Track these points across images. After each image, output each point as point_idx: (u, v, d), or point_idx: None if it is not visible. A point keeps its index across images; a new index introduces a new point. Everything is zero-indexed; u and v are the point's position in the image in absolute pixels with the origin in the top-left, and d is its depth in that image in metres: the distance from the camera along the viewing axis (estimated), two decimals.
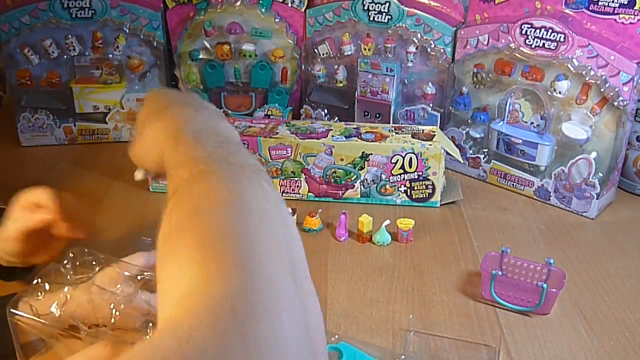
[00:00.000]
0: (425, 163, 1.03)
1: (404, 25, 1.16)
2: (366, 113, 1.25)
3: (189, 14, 1.26)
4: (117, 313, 0.66)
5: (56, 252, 0.77)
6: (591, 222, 1.03)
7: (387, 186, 1.06)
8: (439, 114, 1.20)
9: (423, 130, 1.08)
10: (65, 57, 1.26)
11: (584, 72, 0.99)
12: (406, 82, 1.22)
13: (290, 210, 0.99)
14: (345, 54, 1.23)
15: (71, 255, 0.71)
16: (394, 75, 1.18)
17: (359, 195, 1.08)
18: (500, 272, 0.82)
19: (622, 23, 0.96)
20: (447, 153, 1.05)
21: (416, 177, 1.05)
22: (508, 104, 1.10)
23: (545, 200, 1.09)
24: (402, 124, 1.22)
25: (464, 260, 0.92)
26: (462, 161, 1.15)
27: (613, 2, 0.96)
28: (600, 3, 0.97)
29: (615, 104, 0.97)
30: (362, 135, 1.06)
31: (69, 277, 0.68)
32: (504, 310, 0.81)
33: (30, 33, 1.23)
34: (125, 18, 1.24)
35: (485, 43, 1.09)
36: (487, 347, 0.75)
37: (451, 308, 0.82)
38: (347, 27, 1.22)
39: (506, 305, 0.81)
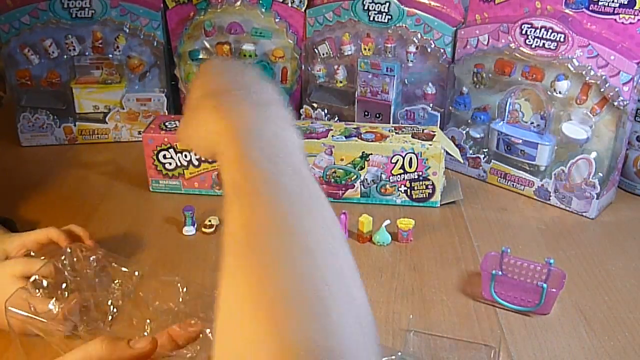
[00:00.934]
0: (425, 163, 1.03)
1: (404, 25, 1.16)
2: (366, 113, 1.25)
3: (189, 14, 1.26)
4: (115, 310, 0.66)
5: None
6: (591, 222, 1.03)
7: (387, 186, 1.06)
8: (439, 114, 1.20)
9: (423, 130, 1.08)
10: (65, 57, 1.26)
11: (584, 72, 0.99)
12: (406, 82, 1.22)
13: None
14: (345, 54, 1.23)
15: (69, 251, 0.71)
16: (394, 75, 1.18)
17: (359, 195, 1.08)
18: (500, 272, 0.82)
19: (622, 23, 0.96)
20: (447, 153, 1.05)
21: (416, 177, 1.05)
22: (508, 104, 1.10)
23: (545, 200, 1.09)
24: (402, 124, 1.22)
25: (464, 260, 0.92)
26: (462, 161, 1.15)
27: (613, 2, 0.96)
28: (600, 3, 0.97)
29: (615, 104, 0.97)
30: (362, 135, 1.06)
31: (66, 273, 0.68)
32: (504, 310, 0.81)
33: (30, 33, 1.23)
34: (125, 18, 1.24)
35: (485, 43, 1.09)
36: (487, 347, 0.75)
37: (451, 308, 0.82)
38: (347, 27, 1.22)
39: (506, 305, 0.81)
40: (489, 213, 1.06)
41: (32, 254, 0.77)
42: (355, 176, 1.06)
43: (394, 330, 0.77)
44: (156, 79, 1.31)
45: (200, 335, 0.57)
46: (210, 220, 1.00)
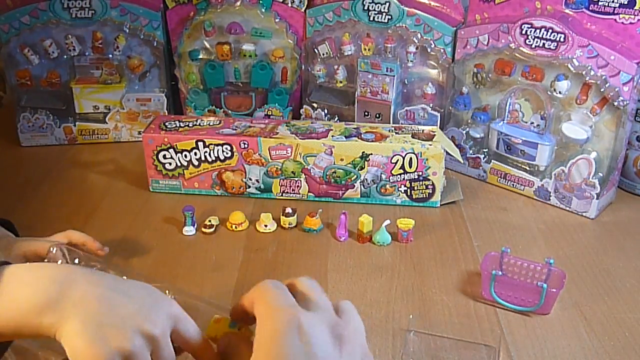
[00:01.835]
0: (425, 163, 1.03)
1: (404, 25, 1.16)
2: (366, 113, 1.25)
3: (189, 14, 1.26)
4: None
5: None
6: (591, 222, 1.03)
7: (387, 186, 1.06)
8: (439, 114, 1.20)
9: (423, 130, 1.08)
10: (65, 57, 1.26)
11: (584, 72, 0.99)
12: (406, 82, 1.22)
13: (291, 211, 0.99)
14: (345, 54, 1.23)
15: (53, 250, 0.70)
16: (394, 75, 1.18)
17: (359, 195, 1.08)
18: (500, 272, 0.82)
19: (622, 23, 0.96)
20: (447, 153, 1.05)
21: (416, 177, 1.05)
22: (508, 104, 1.10)
23: (545, 200, 1.09)
24: (402, 124, 1.22)
25: (464, 260, 0.92)
26: (462, 161, 1.15)
27: (613, 2, 0.96)
28: (600, 3, 0.97)
29: (615, 104, 0.97)
30: (362, 135, 1.06)
31: None
32: (504, 310, 0.81)
33: (30, 33, 1.23)
34: (125, 18, 1.24)
35: (485, 43, 1.09)
36: (487, 347, 0.75)
37: (451, 308, 0.82)
38: (347, 27, 1.22)
39: (506, 305, 0.81)
40: (489, 213, 1.06)
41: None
42: (355, 176, 1.06)
43: (394, 330, 0.77)
44: (156, 79, 1.31)
45: None
46: (210, 220, 1.00)
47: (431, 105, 1.20)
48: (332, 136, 1.05)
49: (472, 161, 1.17)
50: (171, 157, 1.07)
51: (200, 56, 1.28)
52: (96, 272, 0.55)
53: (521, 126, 1.10)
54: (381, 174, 1.05)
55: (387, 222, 0.96)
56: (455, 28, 1.13)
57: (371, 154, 1.04)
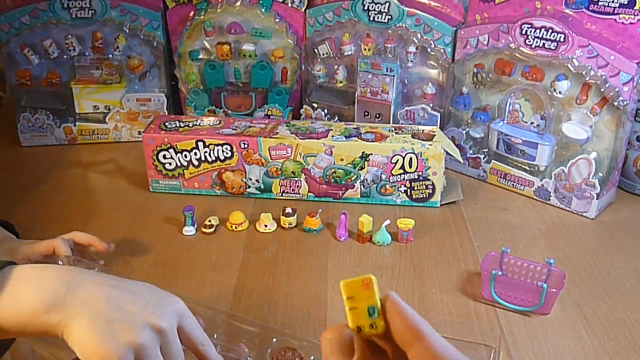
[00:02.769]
0: (425, 163, 1.03)
1: (404, 25, 1.16)
2: (366, 113, 1.25)
3: (189, 14, 1.26)
4: None
5: None
6: (591, 222, 1.03)
7: (387, 186, 1.06)
8: (439, 114, 1.20)
9: (423, 130, 1.08)
10: (65, 57, 1.26)
11: (584, 72, 0.99)
12: (406, 82, 1.22)
13: (291, 211, 0.99)
14: (345, 54, 1.23)
15: (60, 263, 0.71)
16: (394, 75, 1.18)
17: (359, 195, 1.08)
18: (500, 272, 0.82)
19: (622, 23, 0.96)
20: (447, 153, 1.05)
21: (416, 177, 1.05)
22: (508, 104, 1.10)
23: (545, 200, 1.09)
24: (402, 124, 1.22)
25: (464, 260, 0.92)
26: (462, 161, 1.15)
27: (613, 2, 0.96)
28: (600, 3, 0.97)
29: (615, 104, 0.97)
30: (362, 135, 1.06)
31: None
32: (504, 310, 0.81)
33: (30, 33, 1.23)
34: (125, 18, 1.24)
35: (485, 43, 1.09)
36: (487, 347, 0.75)
37: (451, 308, 0.82)
38: (347, 27, 1.22)
39: (506, 305, 0.81)
40: (489, 213, 1.06)
41: None
42: (355, 176, 1.06)
43: None
44: (156, 79, 1.31)
45: None
46: (210, 220, 1.00)
47: (431, 105, 1.20)
48: (332, 136, 1.05)
49: (472, 161, 1.17)
50: (171, 157, 1.07)
51: (200, 56, 1.28)
52: (100, 273, 0.55)
53: (521, 126, 1.10)
54: (381, 174, 1.05)
55: (387, 222, 0.96)
56: (455, 28, 1.13)
57: (371, 154, 1.04)
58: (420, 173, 1.04)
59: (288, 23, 1.26)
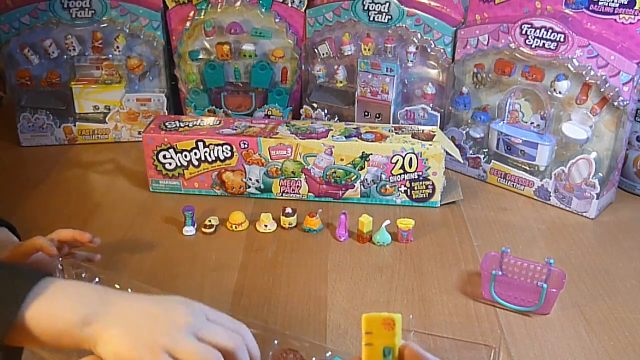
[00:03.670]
0: (425, 163, 1.03)
1: (404, 25, 1.16)
2: (366, 113, 1.25)
3: (189, 14, 1.26)
4: None
5: None
6: (591, 222, 1.03)
7: (387, 186, 1.06)
8: (439, 114, 1.20)
9: (423, 130, 1.08)
10: (65, 57, 1.26)
11: (584, 72, 0.99)
12: (406, 82, 1.22)
13: (291, 211, 0.99)
14: (345, 54, 1.23)
15: (60, 267, 0.71)
16: (394, 75, 1.18)
17: (359, 195, 1.08)
18: (500, 272, 0.82)
19: (622, 23, 0.96)
20: (447, 153, 1.05)
21: (416, 177, 1.05)
22: (508, 104, 1.10)
23: (545, 200, 1.09)
24: (402, 124, 1.22)
25: (464, 260, 0.92)
26: (462, 161, 1.15)
27: (613, 2, 0.96)
28: (600, 3, 0.97)
29: (615, 104, 0.97)
30: (362, 135, 1.06)
31: None
32: (504, 310, 0.81)
33: (30, 33, 1.23)
34: (125, 18, 1.24)
35: (485, 43, 1.09)
36: (487, 347, 0.75)
37: (451, 308, 0.82)
38: (347, 27, 1.22)
39: (506, 305, 0.81)
40: (489, 213, 1.06)
41: None
42: (355, 176, 1.06)
43: None
44: (156, 79, 1.31)
45: None
46: (210, 220, 1.00)
47: (431, 105, 1.20)
48: (332, 136, 1.05)
49: (472, 161, 1.17)
50: (171, 157, 1.07)
51: (200, 56, 1.28)
52: (129, 292, 0.58)
53: (521, 126, 1.10)
54: (381, 174, 1.05)
55: (387, 222, 0.96)
56: (455, 28, 1.13)
57: (371, 154, 1.04)
58: (420, 173, 1.04)
59: (288, 23, 1.26)
